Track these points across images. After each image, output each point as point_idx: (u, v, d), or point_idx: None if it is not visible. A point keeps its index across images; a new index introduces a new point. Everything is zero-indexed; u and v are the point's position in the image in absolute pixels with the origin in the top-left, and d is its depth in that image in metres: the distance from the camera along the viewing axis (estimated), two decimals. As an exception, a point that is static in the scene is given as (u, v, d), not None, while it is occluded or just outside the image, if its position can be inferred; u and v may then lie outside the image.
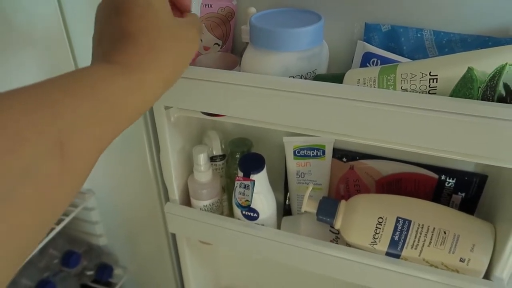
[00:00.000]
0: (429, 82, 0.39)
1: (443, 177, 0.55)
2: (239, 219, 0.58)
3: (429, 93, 0.39)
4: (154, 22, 0.32)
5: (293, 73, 0.44)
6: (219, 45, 0.56)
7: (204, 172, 0.57)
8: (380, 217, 0.49)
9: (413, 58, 0.48)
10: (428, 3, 0.46)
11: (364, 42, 0.49)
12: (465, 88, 0.37)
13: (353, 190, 0.61)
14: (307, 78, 0.45)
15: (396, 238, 0.49)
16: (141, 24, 0.31)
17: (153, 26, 0.32)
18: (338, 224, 0.52)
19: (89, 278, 0.93)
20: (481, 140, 0.37)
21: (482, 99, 0.37)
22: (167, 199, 0.61)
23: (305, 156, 0.58)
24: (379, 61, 0.48)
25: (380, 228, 0.49)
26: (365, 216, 0.50)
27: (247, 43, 0.47)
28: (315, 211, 0.53)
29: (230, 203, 0.63)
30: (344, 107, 0.40)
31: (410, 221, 0.48)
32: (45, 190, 0.23)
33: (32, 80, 0.25)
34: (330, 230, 0.56)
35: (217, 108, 0.47)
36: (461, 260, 0.47)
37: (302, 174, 0.59)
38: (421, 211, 0.50)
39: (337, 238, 0.56)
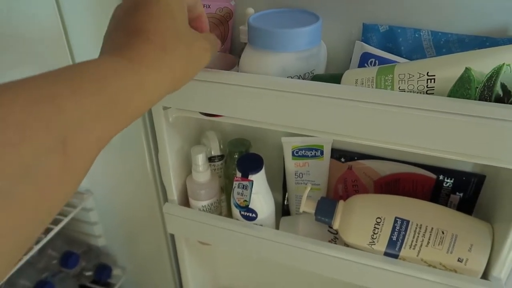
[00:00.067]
0: (427, 83, 0.39)
1: (441, 177, 0.55)
2: (237, 219, 0.58)
3: (426, 93, 0.39)
4: (171, 25, 0.33)
5: (291, 74, 0.44)
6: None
7: (202, 173, 0.57)
8: (378, 217, 0.49)
9: (411, 59, 0.48)
10: (426, 3, 0.46)
11: (362, 43, 0.49)
12: (462, 88, 0.37)
13: (352, 190, 0.61)
14: (305, 79, 0.45)
15: (394, 238, 0.49)
16: (157, 24, 0.32)
17: (169, 28, 0.32)
18: (336, 224, 0.52)
19: (88, 278, 0.93)
20: (479, 140, 0.37)
21: (479, 99, 0.37)
22: (165, 199, 0.61)
23: (304, 157, 0.58)
24: (377, 61, 0.48)
25: (378, 228, 0.49)
26: (363, 216, 0.50)
27: (245, 44, 0.47)
28: (313, 211, 0.53)
29: (229, 204, 0.63)
30: (342, 107, 0.40)
31: (408, 221, 0.48)
32: (45, 189, 0.22)
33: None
34: (329, 230, 0.56)
35: (215, 109, 0.47)
36: (459, 260, 0.47)
37: (301, 174, 0.60)
38: (419, 211, 0.50)
39: (335, 238, 0.56)
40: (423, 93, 0.39)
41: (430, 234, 0.48)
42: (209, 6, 0.53)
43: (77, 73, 0.26)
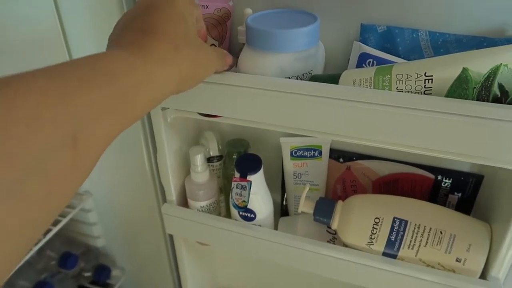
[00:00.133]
0: (425, 83, 0.39)
1: (439, 177, 0.55)
2: (236, 220, 0.58)
3: (424, 93, 0.39)
4: (183, 29, 0.34)
5: (289, 74, 0.45)
6: (215, 46, 0.56)
7: (201, 173, 0.57)
8: (377, 218, 0.49)
9: (408, 59, 0.48)
10: (423, 4, 0.46)
11: (360, 43, 0.49)
12: (460, 88, 0.37)
13: (350, 191, 0.61)
14: (303, 79, 0.45)
15: (393, 238, 0.49)
16: (172, 26, 0.33)
17: (182, 31, 0.34)
18: (335, 225, 0.52)
19: (87, 279, 0.93)
20: (477, 140, 0.37)
21: (477, 100, 0.37)
22: (164, 200, 0.61)
23: (302, 157, 0.58)
24: (375, 61, 0.48)
25: (376, 229, 0.49)
26: (362, 216, 0.50)
27: (243, 44, 0.47)
28: (312, 211, 0.53)
29: (227, 204, 0.63)
30: (340, 107, 0.41)
31: (406, 221, 0.49)
32: (54, 184, 0.22)
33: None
34: (327, 231, 0.56)
35: (213, 109, 0.47)
36: (458, 260, 0.47)
37: (299, 174, 0.60)
38: (418, 211, 0.50)
39: (334, 238, 0.56)
40: (421, 94, 0.39)
41: (429, 234, 0.48)
42: (207, 7, 0.53)
43: (89, 67, 0.26)
